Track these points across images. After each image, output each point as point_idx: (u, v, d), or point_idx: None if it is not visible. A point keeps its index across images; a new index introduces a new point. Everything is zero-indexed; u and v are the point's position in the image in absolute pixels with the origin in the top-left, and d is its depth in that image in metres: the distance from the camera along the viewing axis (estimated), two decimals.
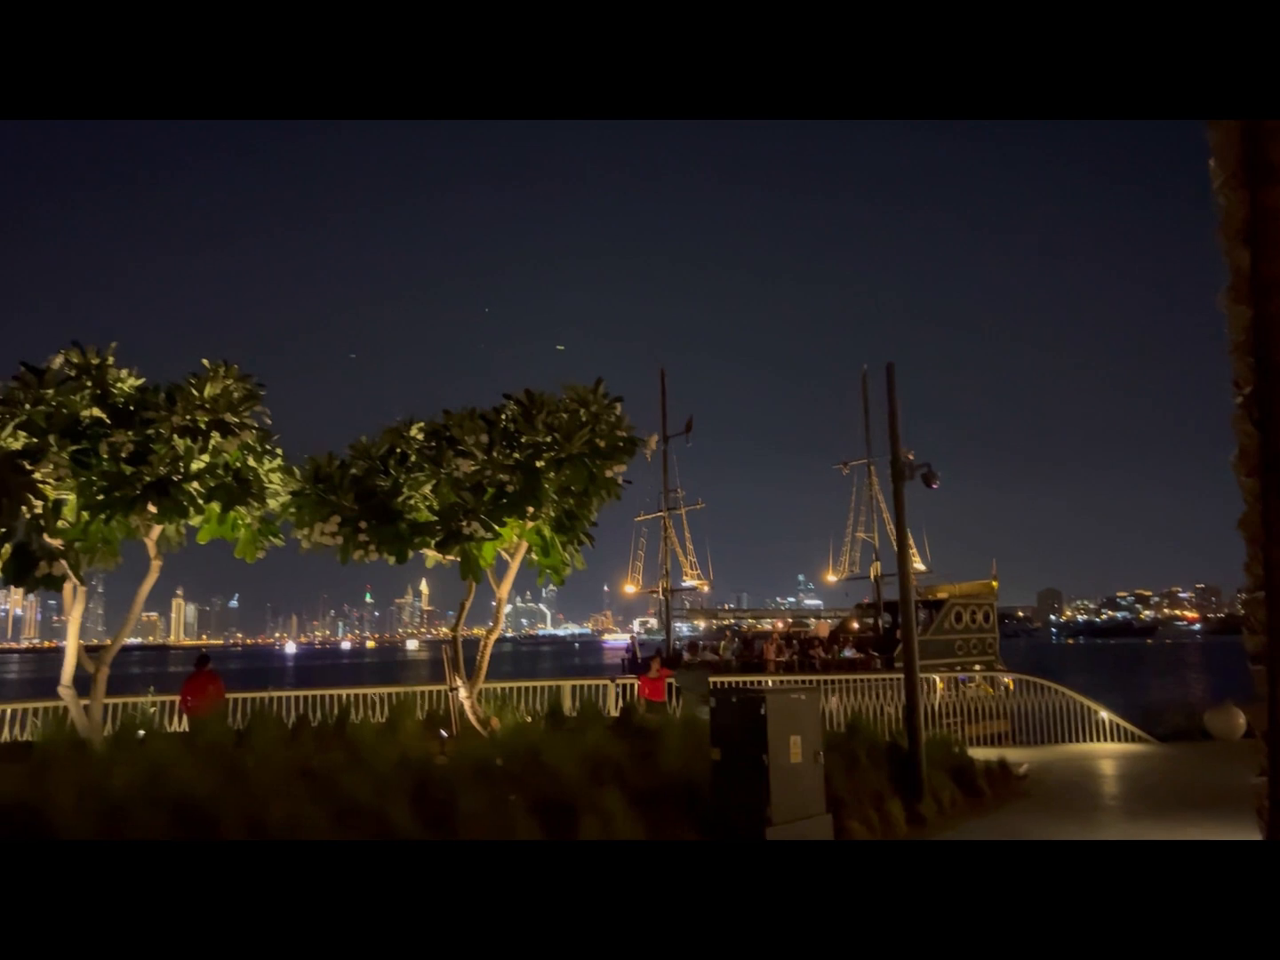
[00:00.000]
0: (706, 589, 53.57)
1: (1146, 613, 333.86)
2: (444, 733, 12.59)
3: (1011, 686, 19.74)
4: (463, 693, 13.06)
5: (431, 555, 13.30)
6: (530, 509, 12.69)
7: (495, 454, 12.44)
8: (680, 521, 51.35)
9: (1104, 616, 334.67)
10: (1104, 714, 18.10)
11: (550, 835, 9.18)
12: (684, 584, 51.79)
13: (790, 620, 50.26)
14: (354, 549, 12.38)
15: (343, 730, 12.21)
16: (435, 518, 12.56)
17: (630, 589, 53.08)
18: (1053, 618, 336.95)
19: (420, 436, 13.06)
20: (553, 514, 13.10)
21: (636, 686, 17.54)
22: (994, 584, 44.58)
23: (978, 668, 34.23)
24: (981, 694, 22.02)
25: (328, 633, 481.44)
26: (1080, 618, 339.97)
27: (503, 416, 12.97)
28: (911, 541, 51.38)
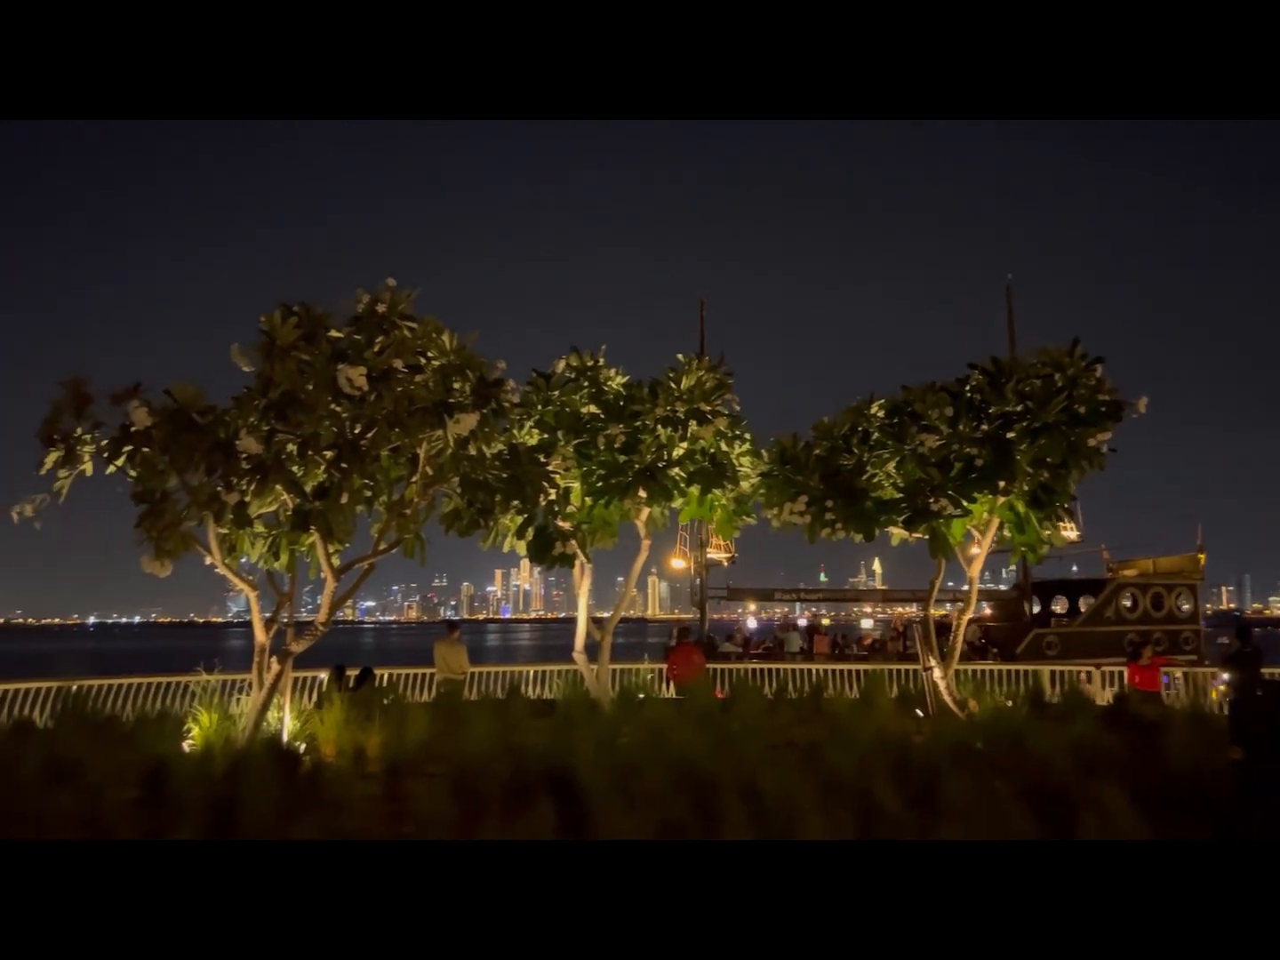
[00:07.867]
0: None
1: None
2: (919, 712, 12.46)
3: (1215, 695, 14.51)
4: (937, 672, 12.79)
5: (897, 533, 13.17)
6: (1002, 483, 12.08)
7: (961, 427, 12.02)
8: None
9: None
10: None
11: (1041, 825, 8.70)
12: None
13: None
14: (821, 527, 12.65)
15: (818, 703, 12.54)
16: (900, 495, 12.42)
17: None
18: None
19: (880, 414, 12.99)
20: (1026, 488, 12.34)
21: (1126, 675, 16.09)
22: (1200, 558, 31.20)
23: (1179, 672, 21.72)
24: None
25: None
26: None
27: (967, 388, 12.48)
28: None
